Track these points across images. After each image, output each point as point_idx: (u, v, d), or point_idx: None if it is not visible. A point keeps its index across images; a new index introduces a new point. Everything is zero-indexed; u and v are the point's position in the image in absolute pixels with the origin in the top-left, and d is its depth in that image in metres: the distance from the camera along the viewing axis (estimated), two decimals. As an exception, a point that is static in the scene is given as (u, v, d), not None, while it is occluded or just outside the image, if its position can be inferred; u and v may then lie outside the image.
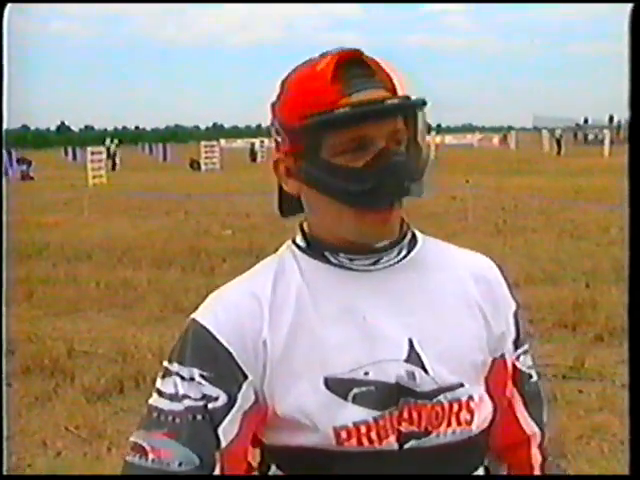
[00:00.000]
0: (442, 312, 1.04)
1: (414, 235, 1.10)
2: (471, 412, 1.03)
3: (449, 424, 1.01)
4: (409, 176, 0.98)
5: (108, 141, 36.58)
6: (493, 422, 1.09)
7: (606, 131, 40.93)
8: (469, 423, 1.02)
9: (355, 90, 0.97)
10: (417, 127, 1.01)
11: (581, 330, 5.65)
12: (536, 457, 1.18)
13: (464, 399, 1.02)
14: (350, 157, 0.97)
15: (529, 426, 1.17)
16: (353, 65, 0.99)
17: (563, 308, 6.12)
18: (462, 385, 1.02)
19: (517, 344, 1.13)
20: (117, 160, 34.39)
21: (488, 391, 1.08)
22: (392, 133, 0.98)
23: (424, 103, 1.01)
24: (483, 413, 1.06)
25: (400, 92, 1.00)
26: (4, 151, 25.88)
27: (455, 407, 1.01)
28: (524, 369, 1.15)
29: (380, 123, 0.97)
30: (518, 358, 1.14)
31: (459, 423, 1.02)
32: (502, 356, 1.11)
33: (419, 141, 1.01)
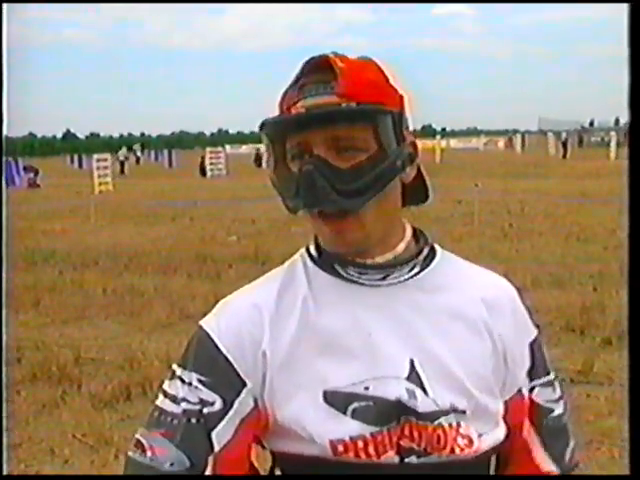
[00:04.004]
0: (446, 334, 1.01)
1: (432, 250, 1.07)
2: (467, 438, 1.00)
3: (452, 450, 0.99)
4: (324, 188, 0.93)
5: (137, 145, 51.22)
6: (505, 445, 1.06)
7: (612, 133, 40.83)
8: (468, 446, 1.00)
9: (305, 96, 0.97)
10: (362, 134, 0.95)
11: (589, 334, 5.62)
12: None
13: (464, 424, 0.99)
14: (298, 163, 0.97)
15: (547, 465, 1.12)
16: (317, 71, 0.98)
17: (571, 312, 6.09)
18: (457, 410, 0.99)
19: (532, 375, 1.09)
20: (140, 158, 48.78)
21: (506, 427, 1.05)
22: (331, 140, 0.95)
23: (359, 111, 0.95)
24: (487, 437, 1.02)
25: (359, 98, 0.95)
26: (7, 159, 25.98)
27: (454, 432, 0.99)
28: (541, 402, 1.10)
29: (317, 130, 0.94)
30: (532, 390, 1.09)
31: (461, 449, 0.99)
32: (519, 391, 1.07)
33: (366, 150, 0.95)
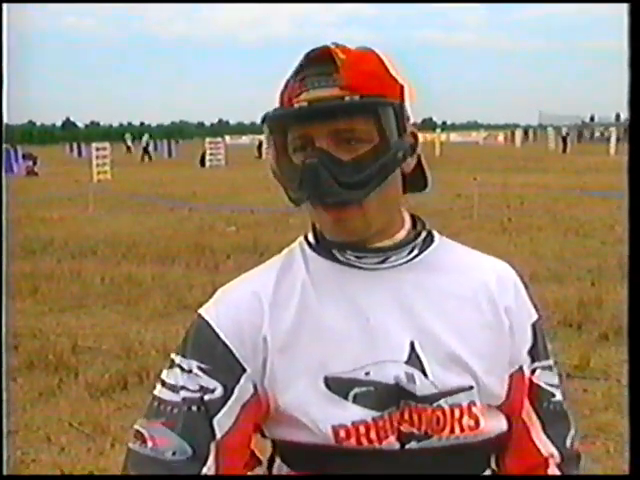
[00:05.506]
0: (448, 314, 1.01)
1: (430, 235, 1.07)
2: (475, 418, 1.00)
3: (452, 430, 0.99)
4: (327, 181, 0.94)
5: (128, 135, 47.48)
6: (509, 431, 1.06)
7: (612, 129, 40.79)
8: (473, 429, 1.00)
9: (308, 88, 0.98)
10: (364, 126, 0.96)
11: (586, 329, 5.63)
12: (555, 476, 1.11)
13: (465, 404, 0.99)
14: (301, 155, 0.98)
15: (546, 447, 1.10)
16: (319, 63, 0.98)
17: (568, 306, 6.10)
18: (465, 389, 0.99)
19: (533, 355, 1.08)
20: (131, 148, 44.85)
21: (505, 408, 1.05)
22: (334, 133, 0.95)
23: (362, 104, 0.95)
24: (492, 419, 1.03)
25: (361, 91, 0.95)
26: (5, 147, 26.00)
27: (457, 413, 0.99)
28: (543, 385, 1.10)
29: (319, 122, 0.95)
30: (534, 372, 1.09)
31: (462, 429, 0.99)
32: (520, 369, 1.07)
33: (368, 142, 0.96)
